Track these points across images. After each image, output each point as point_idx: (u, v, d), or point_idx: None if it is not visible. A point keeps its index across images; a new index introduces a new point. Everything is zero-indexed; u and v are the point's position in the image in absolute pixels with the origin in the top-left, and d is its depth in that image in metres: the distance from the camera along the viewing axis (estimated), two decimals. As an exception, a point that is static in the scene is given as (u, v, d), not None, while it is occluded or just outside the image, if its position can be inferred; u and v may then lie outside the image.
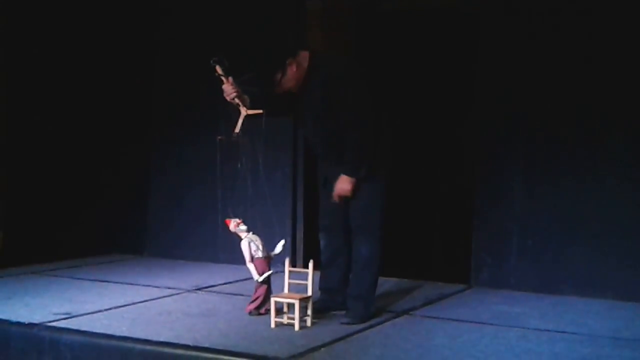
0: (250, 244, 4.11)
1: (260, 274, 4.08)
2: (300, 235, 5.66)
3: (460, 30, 6.06)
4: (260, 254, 4.11)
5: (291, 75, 3.98)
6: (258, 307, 4.12)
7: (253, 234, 4.16)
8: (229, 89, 4.03)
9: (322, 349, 3.55)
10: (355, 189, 4.01)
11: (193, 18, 6.06)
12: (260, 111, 4.07)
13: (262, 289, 4.11)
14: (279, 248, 4.13)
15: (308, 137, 4.36)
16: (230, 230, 4.19)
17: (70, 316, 4.08)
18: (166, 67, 6.18)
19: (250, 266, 4.11)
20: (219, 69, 4.02)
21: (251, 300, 4.16)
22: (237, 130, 4.07)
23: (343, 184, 4.00)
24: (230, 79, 4.03)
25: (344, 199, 4.07)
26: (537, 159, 4.90)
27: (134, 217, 6.30)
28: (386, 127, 4.14)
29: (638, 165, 4.63)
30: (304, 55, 4.02)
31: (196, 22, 6.02)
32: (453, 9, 6.13)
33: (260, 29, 5.59)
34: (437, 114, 6.59)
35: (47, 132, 5.98)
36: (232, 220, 4.18)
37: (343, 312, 4.11)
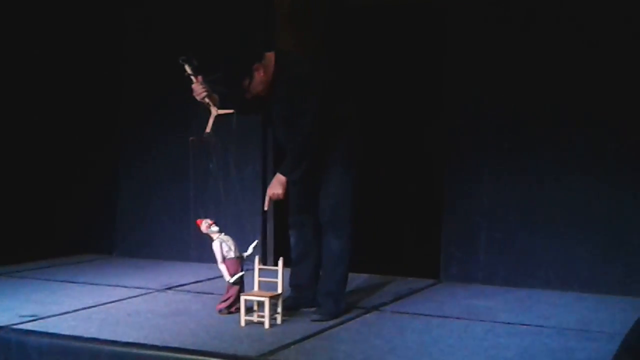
0: (221, 245, 4.10)
1: (232, 275, 4.07)
2: (270, 232, 5.66)
3: (429, 26, 6.08)
4: (232, 255, 4.09)
5: (259, 79, 3.95)
6: (229, 307, 4.11)
7: (225, 234, 4.15)
8: (198, 89, 4.02)
9: (292, 346, 3.54)
10: (291, 192, 4.02)
11: (161, 16, 6.01)
12: (231, 111, 4.07)
13: (234, 290, 4.10)
14: (250, 249, 4.12)
15: (277, 136, 4.36)
16: (201, 231, 4.17)
17: (38, 318, 4.04)
18: (135, 66, 6.13)
19: (222, 267, 4.09)
20: (187, 68, 4.00)
21: (222, 300, 4.15)
22: (208, 130, 4.05)
23: (274, 188, 4.01)
24: (200, 78, 4.01)
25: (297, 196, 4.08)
26: (504, 154, 4.95)
27: (102, 216, 6.25)
28: (356, 123, 4.15)
29: (601, 159, 4.70)
30: (270, 57, 3.98)
31: (165, 21, 5.97)
32: (422, 5, 6.15)
33: (228, 28, 5.56)
34: (406, 110, 6.61)
35: (12, 132, 5.90)
36: (204, 221, 4.17)
37: (313, 309, 4.11)
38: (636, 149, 4.62)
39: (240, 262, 4.12)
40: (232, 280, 4.07)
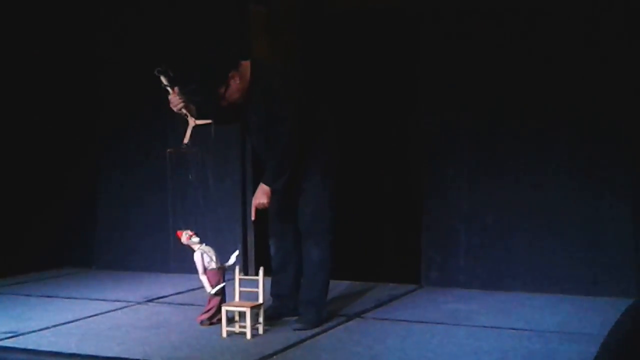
0: (202, 256, 4.08)
1: (213, 286, 4.05)
2: (251, 242, 5.64)
3: (403, 31, 6.12)
4: (213, 265, 4.08)
5: (235, 88, 3.94)
6: (210, 318, 4.09)
7: (205, 245, 4.13)
8: (175, 100, 4.01)
9: (275, 356, 3.54)
10: (270, 200, 4.00)
11: (136, 27, 5.98)
12: (209, 121, 4.06)
13: (215, 301, 4.08)
14: (232, 259, 4.10)
15: (254, 145, 4.35)
16: (182, 243, 4.15)
17: (16, 334, 3.99)
18: (111, 78, 6.09)
19: (203, 278, 4.08)
20: (163, 80, 3.99)
21: (204, 311, 4.13)
22: (185, 141, 4.04)
23: (259, 198, 4.00)
24: (176, 89, 4.00)
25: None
26: (481, 159, 4.98)
27: (81, 229, 6.20)
28: (332, 129, 4.15)
29: (579, 163, 4.74)
30: (246, 65, 3.98)
31: (140, 32, 5.95)
32: (395, 11, 6.19)
33: (204, 36, 5.54)
34: (383, 115, 6.64)
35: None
36: (184, 232, 4.14)
37: (295, 318, 4.11)
38: (612, 153, 4.66)
39: (222, 273, 4.11)
40: (213, 291, 4.05)
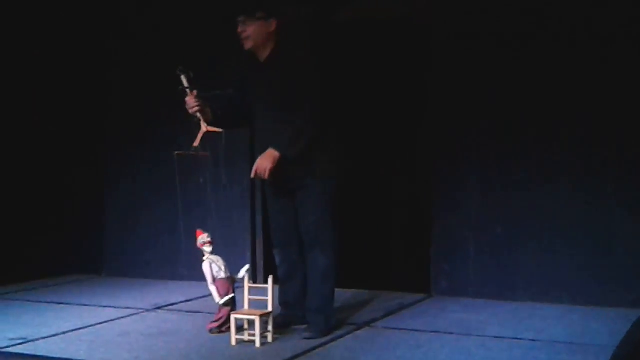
0: (211, 266, 4.09)
1: (222, 296, 4.05)
2: (260, 250, 5.64)
3: (413, 40, 6.12)
4: (222, 275, 4.08)
5: (264, 29, 3.95)
6: (220, 326, 4.09)
7: (215, 254, 4.13)
8: (192, 102, 4.02)
9: (284, 365, 3.54)
10: (275, 171, 3.86)
11: (146, 26, 6.00)
12: (220, 130, 4.07)
13: (225, 311, 4.07)
14: (242, 273, 4.06)
15: (261, 114, 4.13)
16: (196, 243, 4.14)
17: (26, 341, 4.01)
18: (120, 81, 6.12)
19: (212, 288, 4.07)
20: (184, 80, 4.00)
21: (213, 320, 4.13)
22: (195, 144, 4.04)
23: (264, 160, 3.85)
24: (195, 92, 4.01)
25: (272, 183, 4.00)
26: (491, 168, 4.97)
27: (90, 236, 6.22)
28: (336, 138, 4.13)
29: (589, 172, 4.73)
30: (274, 23, 3.99)
31: (150, 31, 5.96)
32: (406, 20, 6.19)
33: (215, 37, 5.54)
34: (392, 124, 6.63)
35: (-2, 152, 5.88)
36: (203, 235, 4.13)
37: (304, 327, 4.10)
38: (624, 161, 4.65)
39: (231, 283, 4.10)
40: (222, 302, 4.05)
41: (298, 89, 3.91)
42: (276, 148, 3.88)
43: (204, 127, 4.03)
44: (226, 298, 4.04)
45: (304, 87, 3.92)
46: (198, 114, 4.03)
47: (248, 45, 4.02)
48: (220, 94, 4.05)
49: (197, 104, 4.00)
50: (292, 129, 3.90)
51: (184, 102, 4.04)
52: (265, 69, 4.04)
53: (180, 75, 3.99)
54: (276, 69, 3.99)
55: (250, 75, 4.15)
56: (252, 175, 3.96)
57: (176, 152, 4.21)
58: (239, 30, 4.02)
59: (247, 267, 4.08)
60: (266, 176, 3.91)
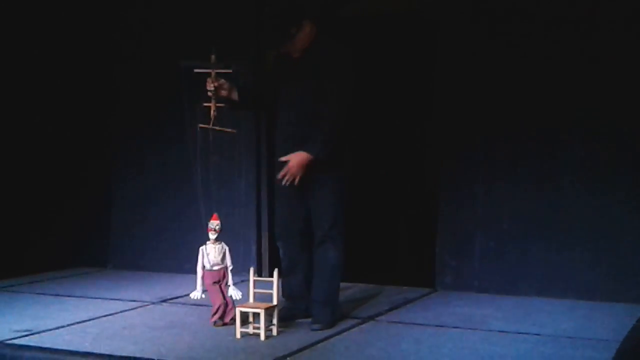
0: (204, 255, 4.11)
1: (202, 288, 4.09)
2: (265, 243, 5.65)
3: (420, 35, 6.11)
4: (214, 266, 4.10)
5: (303, 36, 3.99)
6: (222, 317, 4.11)
7: (217, 243, 4.13)
8: (209, 85, 4.01)
9: (289, 358, 3.54)
10: (307, 176, 3.89)
11: (152, 24, 6.00)
12: (232, 130, 4.13)
13: (218, 299, 4.11)
14: (232, 293, 4.09)
15: (288, 107, 4.12)
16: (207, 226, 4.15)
17: (32, 333, 4.02)
18: (127, 78, 6.12)
19: (199, 274, 4.10)
20: (212, 57, 3.98)
21: (213, 312, 4.15)
22: (211, 124, 4.02)
23: (297, 167, 3.86)
24: (213, 73, 3.99)
25: (297, 190, 3.97)
26: (497, 163, 4.97)
27: (96, 229, 6.23)
28: (346, 134, 4.12)
29: (595, 168, 4.72)
30: (313, 26, 4.03)
31: (156, 29, 5.97)
32: (413, 14, 6.18)
33: (221, 33, 5.53)
34: (399, 120, 6.63)
35: (4, 146, 5.89)
36: (216, 222, 4.11)
37: (309, 320, 4.11)
38: (629, 157, 4.63)
39: (222, 274, 4.11)
40: (193, 295, 4.08)
41: (331, 82, 3.92)
42: (309, 151, 3.89)
43: (214, 114, 4.01)
44: (198, 292, 4.08)
45: (337, 82, 3.93)
46: (212, 99, 4.00)
47: (296, 54, 4.04)
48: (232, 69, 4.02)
49: (214, 83, 3.98)
50: (325, 127, 3.90)
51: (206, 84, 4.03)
52: (300, 65, 4.05)
53: (212, 56, 3.97)
54: (312, 64, 4.00)
55: (281, 70, 4.15)
56: (279, 177, 3.96)
57: (200, 125, 4.06)
58: (285, 47, 4.02)
59: (231, 287, 4.10)
60: (296, 183, 3.93)
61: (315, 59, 4.00)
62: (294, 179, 3.93)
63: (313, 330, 3.98)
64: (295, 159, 3.91)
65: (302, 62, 4.06)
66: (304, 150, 3.90)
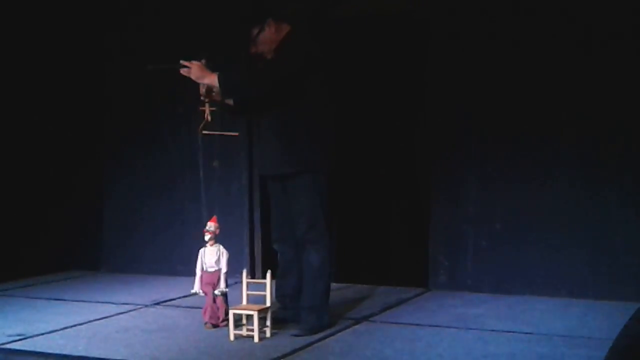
0: (202, 257, 4.16)
1: (198, 288, 4.15)
2: (258, 245, 5.64)
3: (411, 34, 6.11)
4: (211, 269, 4.12)
5: (268, 35, 3.97)
6: (211, 317, 4.12)
7: (214, 245, 4.15)
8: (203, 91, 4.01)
9: (283, 359, 3.54)
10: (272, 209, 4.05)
11: (144, 26, 5.99)
12: (235, 134, 4.17)
13: (208, 299, 4.13)
14: (216, 292, 4.14)
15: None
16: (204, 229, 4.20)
17: (24, 337, 4.01)
18: (119, 80, 6.11)
19: (197, 275, 4.15)
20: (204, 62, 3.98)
21: (202, 313, 4.16)
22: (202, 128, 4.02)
23: (196, 70, 3.87)
24: (204, 61, 3.97)
25: None
26: (490, 162, 4.97)
27: (89, 232, 6.22)
28: (328, 131, 4.08)
29: (587, 167, 4.73)
30: (285, 27, 4.01)
31: (147, 31, 5.95)
32: (404, 15, 6.18)
33: (213, 35, 5.53)
34: (391, 119, 6.63)
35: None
36: (213, 225, 4.15)
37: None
38: (621, 156, 4.65)
39: (216, 278, 4.13)
40: (193, 290, 4.16)
41: (278, 56, 3.92)
42: (220, 77, 3.87)
43: (207, 118, 4.01)
44: (194, 290, 4.15)
45: (283, 56, 3.91)
46: (206, 104, 4.00)
47: (269, 55, 4.02)
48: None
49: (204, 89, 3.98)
50: (244, 78, 3.97)
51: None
52: None
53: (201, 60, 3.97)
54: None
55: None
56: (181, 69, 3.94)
57: (203, 131, 4.07)
58: (253, 48, 4.01)
59: (219, 289, 4.14)
60: (186, 73, 3.90)
61: (282, 55, 3.96)
62: (187, 72, 3.91)
63: (292, 335, 3.91)
64: (196, 68, 3.91)
65: None
66: (219, 73, 3.90)
